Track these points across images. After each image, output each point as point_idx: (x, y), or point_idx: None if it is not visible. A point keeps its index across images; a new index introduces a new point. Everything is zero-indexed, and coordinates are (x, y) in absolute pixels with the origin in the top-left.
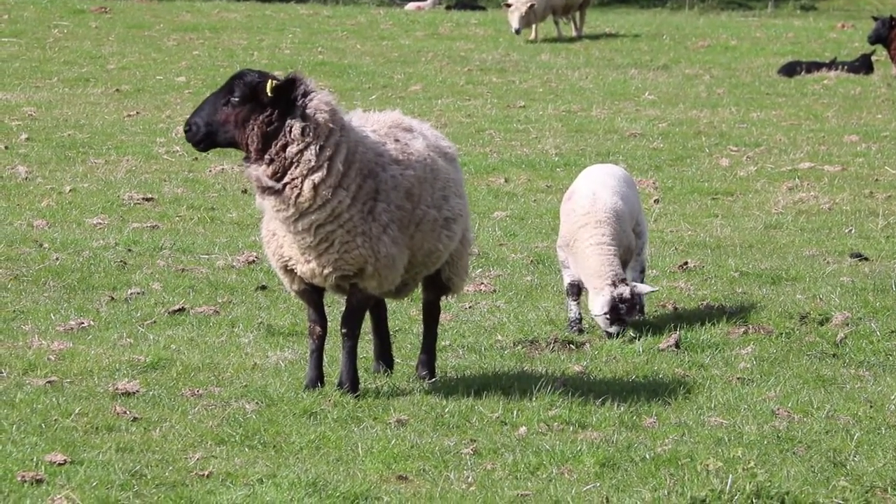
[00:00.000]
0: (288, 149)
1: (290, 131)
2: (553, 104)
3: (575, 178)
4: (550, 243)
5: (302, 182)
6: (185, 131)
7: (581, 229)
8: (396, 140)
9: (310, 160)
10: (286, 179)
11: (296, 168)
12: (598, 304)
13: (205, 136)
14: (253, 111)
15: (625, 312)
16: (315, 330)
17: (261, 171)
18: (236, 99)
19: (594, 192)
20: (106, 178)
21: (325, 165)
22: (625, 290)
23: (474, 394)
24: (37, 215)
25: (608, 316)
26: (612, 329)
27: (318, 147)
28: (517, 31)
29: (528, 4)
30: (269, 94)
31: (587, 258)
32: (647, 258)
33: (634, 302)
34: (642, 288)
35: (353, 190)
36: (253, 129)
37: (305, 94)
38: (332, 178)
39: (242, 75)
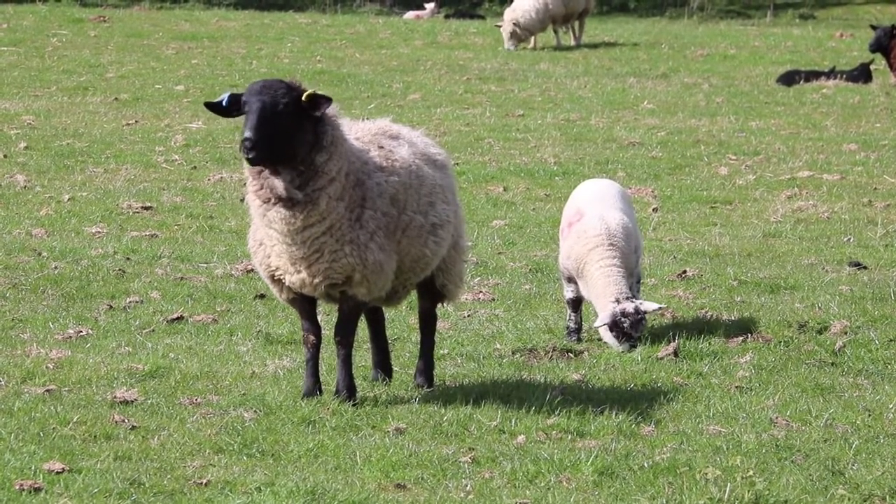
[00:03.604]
0: (317, 158)
1: (321, 141)
2: (552, 113)
3: (573, 191)
4: (549, 252)
5: (319, 194)
6: (249, 148)
7: (592, 251)
8: (380, 147)
9: (330, 171)
10: (307, 190)
11: (318, 179)
12: (599, 318)
13: (269, 151)
14: (303, 120)
15: (628, 326)
16: (309, 339)
17: (287, 182)
18: (291, 109)
19: (603, 213)
20: (105, 187)
21: (337, 177)
22: (628, 306)
23: (473, 402)
24: (35, 224)
25: (612, 331)
26: (621, 347)
27: (336, 158)
28: (507, 50)
29: (513, 22)
30: (305, 101)
31: (595, 279)
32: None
33: (639, 317)
34: (648, 305)
35: (347, 200)
36: (302, 138)
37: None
38: (339, 191)
39: (283, 85)
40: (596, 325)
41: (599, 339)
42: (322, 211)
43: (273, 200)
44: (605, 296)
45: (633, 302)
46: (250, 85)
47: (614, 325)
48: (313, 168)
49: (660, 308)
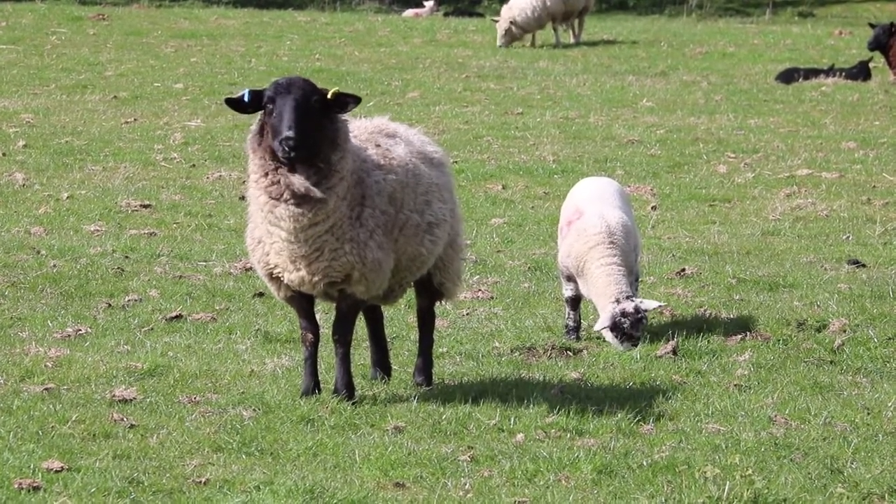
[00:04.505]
0: (332, 156)
1: (337, 139)
2: (551, 111)
3: (571, 189)
4: (548, 250)
5: (330, 192)
6: (293, 147)
7: (592, 249)
8: (377, 145)
9: (342, 170)
10: (321, 188)
11: (331, 178)
12: (601, 319)
13: (308, 149)
14: (324, 117)
15: (628, 327)
16: (307, 337)
17: (305, 179)
18: (320, 106)
19: (602, 211)
20: (103, 185)
21: (346, 176)
22: (628, 306)
23: (472, 401)
24: (34, 222)
25: (613, 332)
26: (622, 347)
27: (348, 157)
28: (499, 46)
29: (509, 20)
30: (331, 99)
31: (596, 278)
32: (640, 267)
33: (639, 317)
34: (648, 304)
35: (348, 198)
36: (324, 135)
37: None
38: (345, 190)
39: (309, 82)
40: (597, 327)
41: (598, 338)
42: (329, 209)
43: (285, 197)
44: (605, 296)
45: (632, 301)
46: (275, 82)
47: (615, 327)
48: (330, 166)
49: (660, 306)
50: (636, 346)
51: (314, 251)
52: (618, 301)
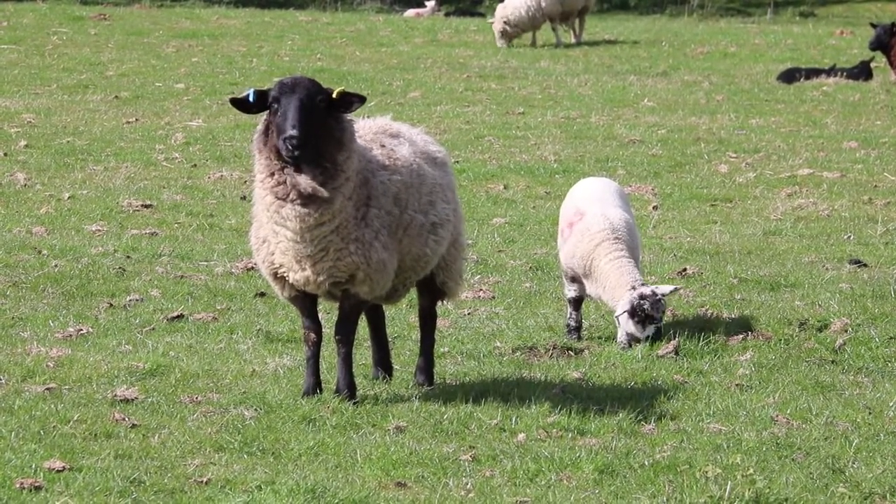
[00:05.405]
0: (339, 157)
1: (342, 139)
2: (552, 111)
3: (570, 191)
4: (549, 249)
5: (336, 192)
6: (296, 146)
7: (598, 247)
8: (382, 146)
9: (348, 170)
10: (327, 188)
11: (337, 178)
12: (620, 305)
13: (311, 149)
14: (329, 116)
15: (649, 307)
16: (309, 337)
17: (311, 179)
18: (324, 106)
19: (604, 210)
20: (105, 185)
21: (352, 176)
22: (645, 290)
23: (473, 400)
24: (35, 222)
25: (634, 318)
26: (647, 331)
27: (354, 157)
28: (500, 47)
29: (502, 20)
30: (336, 98)
31: (607, 273)
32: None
33: (657, 298)
34: (664, 288)
35: (354, 199)
36: (330, 135)
37: None
38: (351, 190)
39: (314, 82)
40: (617, 313)
41: (600, 337)
42: (335, 209)
43: (292, 197)
44: (620, 286)
45: (647, 287)
46: (280, 82)
47: (635, 310)
48: (336, 166)
49: (675, 289)
50: (659, 330)
51: (319, 251)
52: (633, 287)
